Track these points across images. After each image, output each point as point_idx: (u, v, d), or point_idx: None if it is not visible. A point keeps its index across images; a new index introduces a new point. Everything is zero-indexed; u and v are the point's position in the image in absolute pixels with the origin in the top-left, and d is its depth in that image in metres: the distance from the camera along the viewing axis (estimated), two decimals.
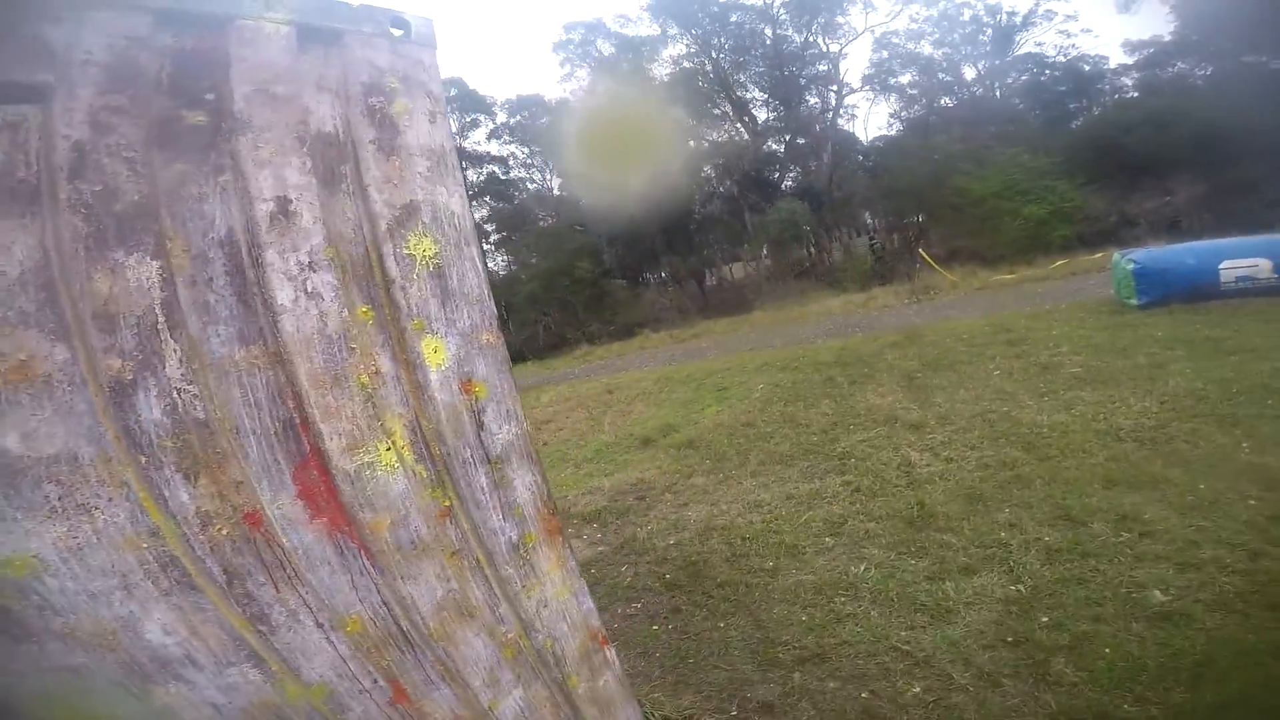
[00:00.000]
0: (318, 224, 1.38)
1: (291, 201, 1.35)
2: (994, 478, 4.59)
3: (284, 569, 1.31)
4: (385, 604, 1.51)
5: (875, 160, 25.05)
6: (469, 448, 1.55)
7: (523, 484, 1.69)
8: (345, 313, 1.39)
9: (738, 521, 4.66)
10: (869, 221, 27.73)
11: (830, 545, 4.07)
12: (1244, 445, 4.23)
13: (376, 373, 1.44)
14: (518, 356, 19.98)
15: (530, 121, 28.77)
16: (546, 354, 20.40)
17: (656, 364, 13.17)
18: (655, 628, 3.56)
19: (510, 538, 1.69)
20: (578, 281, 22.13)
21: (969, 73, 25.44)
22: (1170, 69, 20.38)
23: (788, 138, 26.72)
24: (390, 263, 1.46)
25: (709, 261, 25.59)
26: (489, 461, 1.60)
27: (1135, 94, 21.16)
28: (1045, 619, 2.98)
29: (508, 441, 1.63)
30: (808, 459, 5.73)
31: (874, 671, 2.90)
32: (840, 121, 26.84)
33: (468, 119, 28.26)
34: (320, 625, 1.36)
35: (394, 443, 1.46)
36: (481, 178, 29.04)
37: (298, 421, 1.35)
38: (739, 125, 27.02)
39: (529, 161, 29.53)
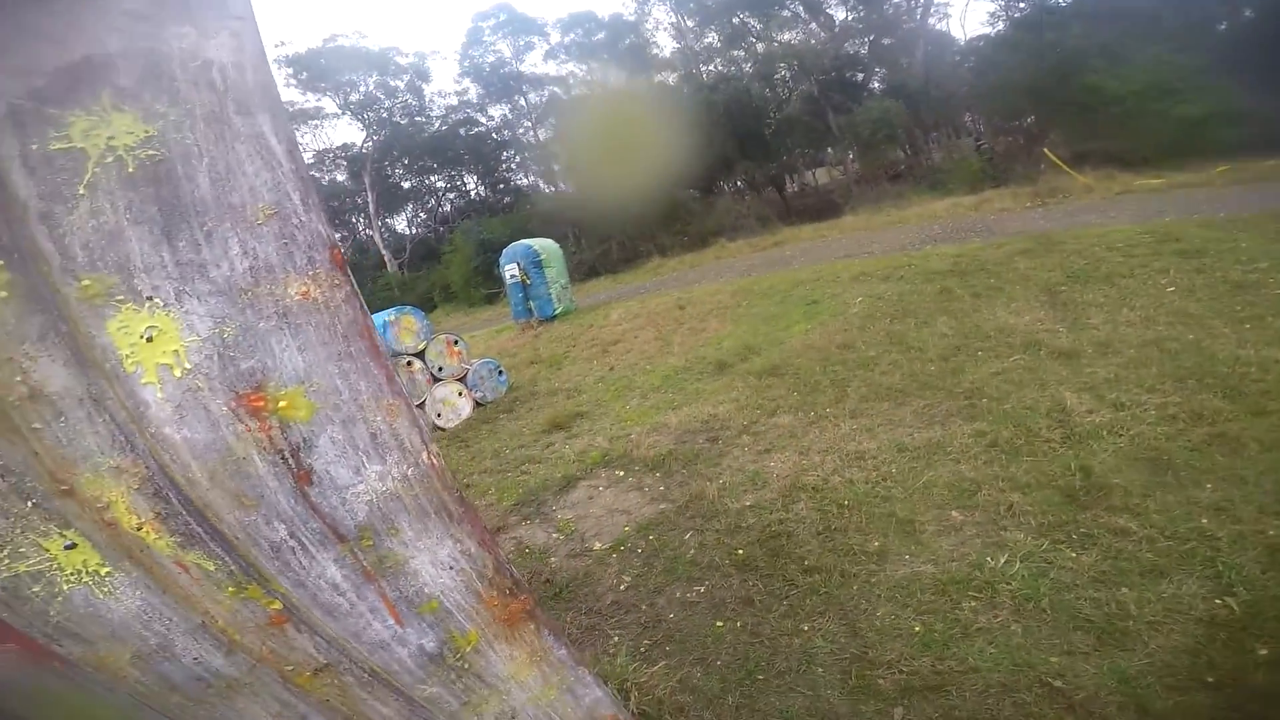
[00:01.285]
0: None
1: None
2: (1186, 436, 3.39)
3: None
4: None
5: (978, 59, 21.85)
6: (282, 520, 0.75)
7: (433, 561, 0.90)
8: None
9: (833, 480, 3.76)
10: (969, 122, 25.19)
11: (958, 523, 3.12)
12: None
13: (32, 395, 0.64)
14: (591, 272, 19.42)
15: (585, 39, 27.73)
16: (620, 268, 19.59)
17: (733, 275, 11.98)
18: (719, 624, 2.84)
19: (422, 646, 0.94)
20: (646, 193, 20.91)
21: None
22: None
23: (870, 38, 23.69)
24: (17, 172, 0.62)
25: (789, 167, 23.50)
26: (340, 538, 0.80)
27: None
28: (1265, 652, 2.09)
29: (382, 495, 0.82)
30: (925, 395, 4.63)
31: (1010, 715, 2.09)
32: (930, 21, 23.83)
33: (521, 42, 27.99)
34: None
35: (111, 519, 0.69)
36: (543, 99, 28.71)
37: None
38: (813, 26, 24.38)
39: (589, 79, 28.53)
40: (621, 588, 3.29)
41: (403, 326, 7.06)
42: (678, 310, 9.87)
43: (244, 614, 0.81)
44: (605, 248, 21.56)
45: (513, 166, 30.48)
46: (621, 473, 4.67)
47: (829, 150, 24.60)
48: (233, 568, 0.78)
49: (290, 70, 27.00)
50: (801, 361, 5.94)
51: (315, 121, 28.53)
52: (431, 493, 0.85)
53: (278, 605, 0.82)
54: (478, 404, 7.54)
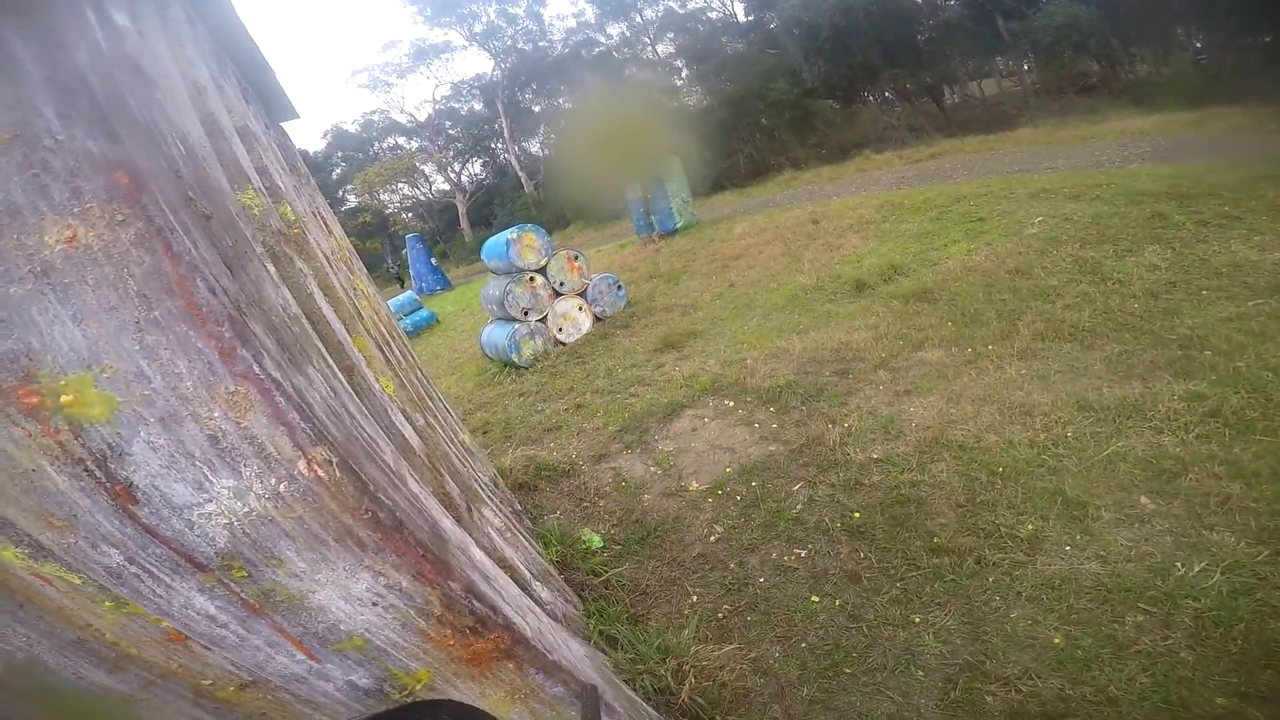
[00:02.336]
0: None
1: None
2: None
3: None
4: None
5: None
6: (112, 544, 0.55)
7: (344, 596, 0.67)
8: None
9: (987, 438, 3.12)
10: (1182, 35, 20.21)
11: (1147, 512, 2.44)
12: None
13: None
14: (716, 186, 18.44)
15: None
16: (747, 182, 18.36)
17: (879, 188, 10.55)
18: (815, 599, 2.50)
19: (351, 681, 0.73)
20: (774, 105, 19.44)
21: None
22: None
23: None
24: None
25: (947, 76, 19.97)
26: (200, 567, 0.59)
27: None
28: None
29: (246, 517, 0.59)
30: (1122, 339, 3.70)
31: None
32: None
33: None
34: None
35: None
36: (659, 13, 27.95)
37: None
38: None
39: None
40: (712, 539, 3.05)
41: (524, 243, 7.10)
42: (810, 225, 8.91)
43: (134, 629, 0.66)
44: (732, 161, 20.27)
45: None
46: (731, 403, 4.34)
47: (997, 59, 20.94)
48: (102, 582, 0.63)
49: (415, 7, 28.17)
50: (960, 286, 5.03)
51: (447, 55, 29.76)
52: (324, 516, 0.62)
53: (166, 624, 0.66)
54: (597, 318, 7.53)
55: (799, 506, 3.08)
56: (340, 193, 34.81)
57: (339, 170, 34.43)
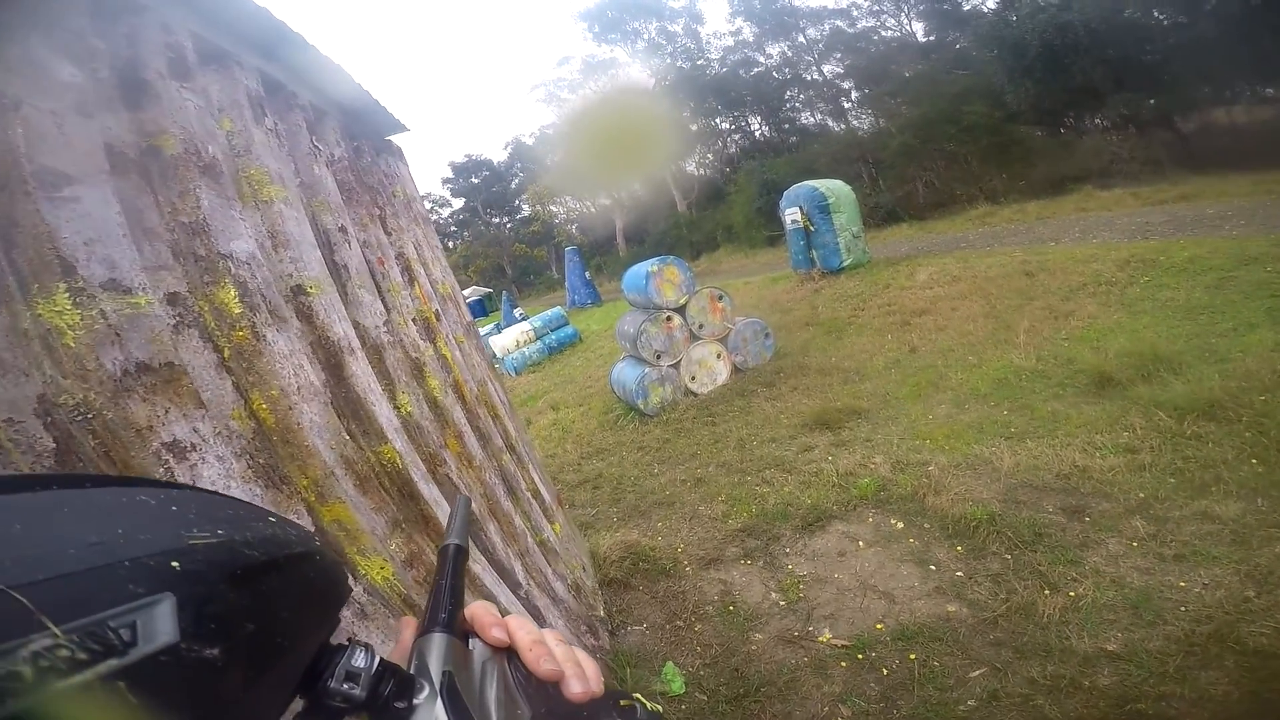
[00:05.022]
0: None
1: None
2: None
3: None
4: None
5: None
6: None
7: None
8: None
9: None
10: None
11: None
12: None
13: None
14: (890, 216, 16.66)
15: None
16: (928, 214, 16.33)
17: (1115, 235, 8.48)
18: None
19: None
20: (968, 129, 17.53)
21: None
22: None
23: None
24: None
25: (1188, 101, 16.42)
26: None
27: None
28: None
29: None
30: None
31: None
32: None
33: None
34: None
35: None
36: (824, 33, 27.07)
37: None
38: None
39: (876, 8, 25.84)
40: None
41: (664, 278, 6.48)
42: (1023, 278, 7.27)
43: None
44: (909, 189, 18.28)
45: (797, 105, 28.93)
46: (900, 525, 3.28)
47: (1251, 86, 16.81)
48: None
49: (585, 24, 29.76)
50: (1272, 403, 3.42)
51: (613, 71, 30.82)
52: None
53: None
54: (736, 369, 6.73)
55: (972, 702, 2.08)
56: (516, 202, 37.74)
57: (517, 180, 37.23)
